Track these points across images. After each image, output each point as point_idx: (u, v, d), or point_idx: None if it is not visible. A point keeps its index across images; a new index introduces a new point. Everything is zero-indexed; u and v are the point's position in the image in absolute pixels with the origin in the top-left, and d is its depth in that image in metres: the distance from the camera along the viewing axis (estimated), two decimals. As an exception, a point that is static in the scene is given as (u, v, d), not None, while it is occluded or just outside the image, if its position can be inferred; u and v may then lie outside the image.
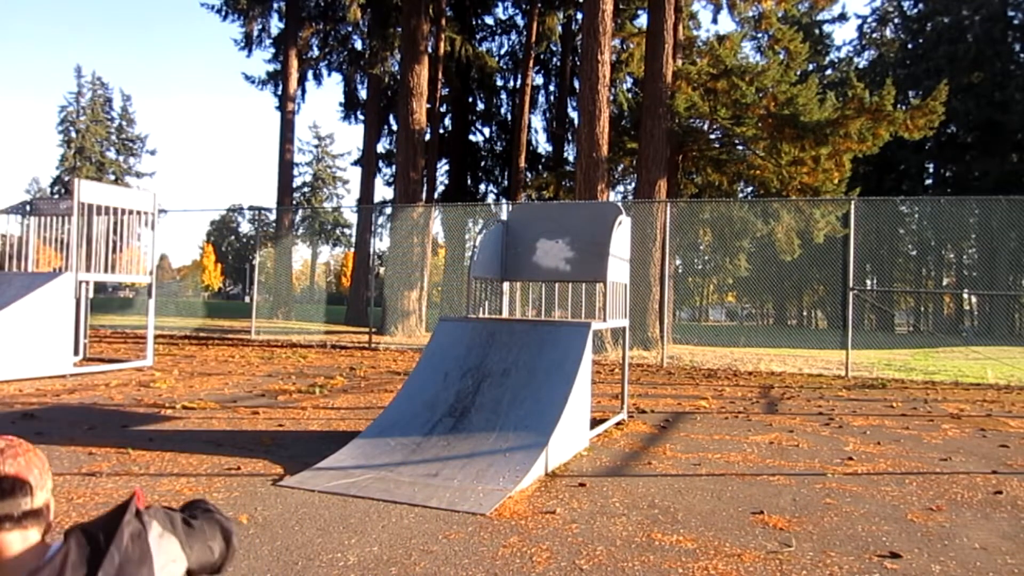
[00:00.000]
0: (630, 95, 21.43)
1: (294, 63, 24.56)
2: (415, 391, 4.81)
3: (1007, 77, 32.19)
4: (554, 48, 26.88)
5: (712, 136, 16.65)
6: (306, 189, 64.28)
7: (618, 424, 5.73)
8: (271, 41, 26.07)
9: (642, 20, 21.01)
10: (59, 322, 7.89)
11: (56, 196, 41.65)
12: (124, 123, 59.76)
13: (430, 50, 19.64)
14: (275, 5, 25.41)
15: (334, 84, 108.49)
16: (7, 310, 7.40)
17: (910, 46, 37.43)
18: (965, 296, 29.65)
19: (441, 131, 24.77)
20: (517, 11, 26.42)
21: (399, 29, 20.16)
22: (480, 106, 27.93)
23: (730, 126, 15.47)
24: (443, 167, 27.15)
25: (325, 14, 25.17)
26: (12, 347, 7.38)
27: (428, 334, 15.67)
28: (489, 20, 26.94)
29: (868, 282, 28.76)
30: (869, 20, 39.37)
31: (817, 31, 34.60)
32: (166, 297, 30.76)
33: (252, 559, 2.72)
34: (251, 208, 51.06)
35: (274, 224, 27.00)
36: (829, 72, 36.57)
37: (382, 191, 57.25)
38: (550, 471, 4.14)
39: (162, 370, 8.76)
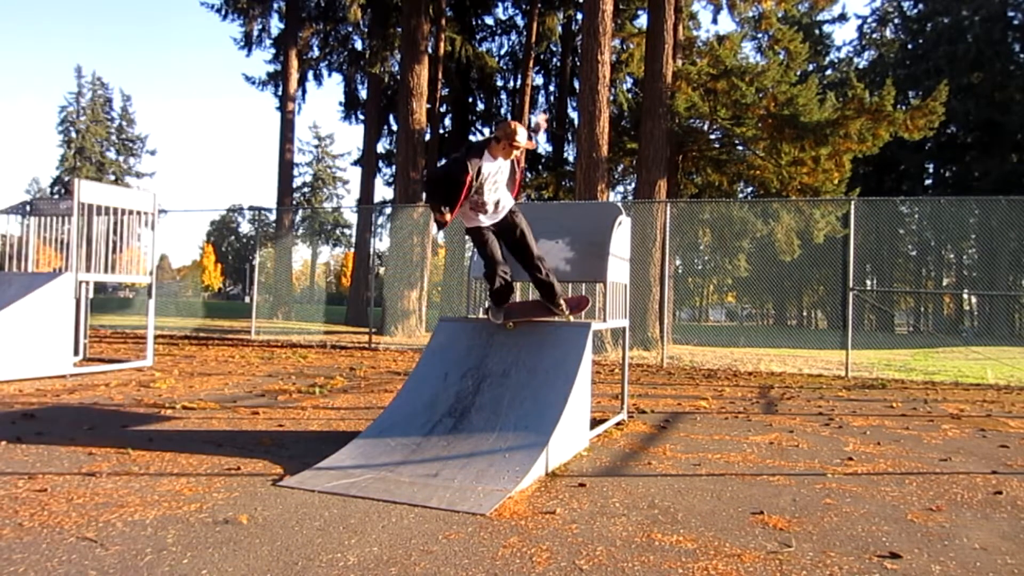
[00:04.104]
0: (630, 95, 21.43)
1: (294, 63, 24.57)
2: (415, 391, 4.81)
3: (1007, 77, 32.20)
4: (554, 48, 26.86)
5: (712, 136, 16.66)
6: (306, 189, 64.27)
7: (618, 424, 5.74)
8: (271, 41, 26.10)
9: (642, 20, 21.03)
10: (59, 322, 7.89)
11: (56, 196, 41.65)
12: (124, 123, 59.78)
13: (430, 50, 19.64)
14: (275, 5, 25.43)
15: (334, 84, 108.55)
16: (7, 310, 7.40)
17: (910, 46, 37.43)
18: (965, 296, 29.65)
19: (441, 131, 24.76)
20: (517, 11, 26.41)
21: (399, 29, 20.16)
22: (480, 106, 27.92)
23: (730, 126, 15.47)
24: (443, 167, 27.13)
25: (325, 14, 25.18)
26: (12, 347, 7.38)
27: (428, 334, 15.67)
28: (489, 20, 26.93)
29: (868, 282, 28.76)
30: (869, 20, 39.42)
31: (817, 31, 34.61)
32: (166, 297, 30.75)
33: (252, 559, 2.73)
34: (251, 208, 51.13)
35: (274, 224, 27.01)
36: (829, 72, 36.57)
37: (382, 191, 57.20)
38: (550, 471, 4.14)
39: (162, 370, 8.76)
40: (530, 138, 4.80)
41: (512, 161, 4.88)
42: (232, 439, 4.88)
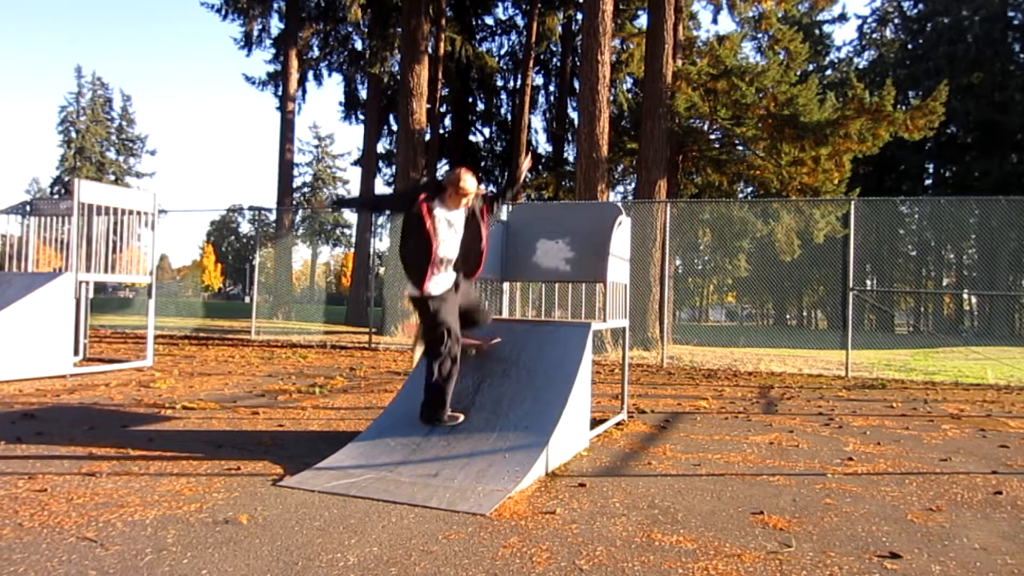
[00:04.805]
0: (630, 95, 21.43)
1: (294, 63, 24.57)
2: (415, 391, 4.81)
3: (1007, 77, 32.19)
4: (554, 48, 26.86)
5: (712, 136, 16.65)
6: (306, 189, 64.26)
7: (618, 424, 5.73)
8: (271, 41, 26.10)
9: (642, 20, 21.02)
10: (59, 322, 7.89)
11: (56, 196, 41.65)
12: (124, 123, 59.77)
13: (430, 50, 19.63)
14: (275, 5, 25.43)
15: (334, 84, 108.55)
16: (7, 310, 7.40)
17: (910, 46, 37.42)
18: (965, 296, 29.66)
19: (441, 131, 24.77)
20: (517, 11, 26.42)
21: (399, 29, 20.16)
22: (480, 106, 27.92)
23: (730, 126, 15.46)
24: (443, 167, 27.14)
25: (325, 14, 25.18)
26: (12, 347, 7.38)
27: (428, 334, 15.64)
28: (489, 20, 26.95)
29: (868, 282, 28.76)
30: (869, 20, 39.40)
31: (817, 31, 34.59)
32: (166, 297, 30.75)
33: (252, 559, 2.72)
34: (251, 208, 51.13)
35: (274, 224, 27.02)
36: (829, 72, 36.56)
37: (382, 191, 57.18)
38: (550, 471, 4.14)
39: (162, 370, 8.76)
40: (498, 190, 4.42)
41: (475, 213, 4.27)
42: (232, 439, 4.88)
